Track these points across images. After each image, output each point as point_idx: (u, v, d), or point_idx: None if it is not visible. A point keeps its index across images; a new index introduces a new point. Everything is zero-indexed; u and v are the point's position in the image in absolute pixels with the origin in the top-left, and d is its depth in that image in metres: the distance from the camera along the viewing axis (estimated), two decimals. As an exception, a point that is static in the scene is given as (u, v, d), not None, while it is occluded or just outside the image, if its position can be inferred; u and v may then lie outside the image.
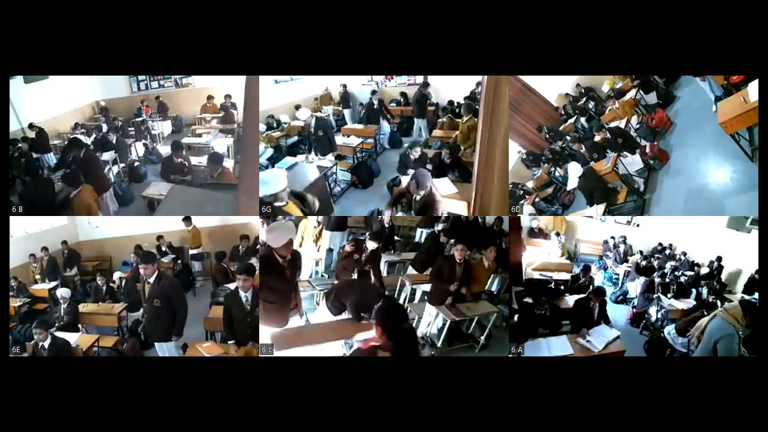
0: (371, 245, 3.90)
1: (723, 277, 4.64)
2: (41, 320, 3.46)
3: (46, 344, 3.32)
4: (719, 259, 4.66)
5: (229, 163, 5.12)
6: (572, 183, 4.59)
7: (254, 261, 3.98)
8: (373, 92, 6.57)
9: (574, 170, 4.38)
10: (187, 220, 5.20)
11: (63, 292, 4.08)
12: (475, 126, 5.14)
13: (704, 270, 4.67)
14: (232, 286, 4.23)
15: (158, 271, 3.38)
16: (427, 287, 4.26)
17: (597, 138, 4.73)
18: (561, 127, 5.84)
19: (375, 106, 6.35)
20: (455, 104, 6.21)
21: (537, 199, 5.05)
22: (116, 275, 4.61)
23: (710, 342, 2.83)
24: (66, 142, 5.22)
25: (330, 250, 4.84)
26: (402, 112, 6.78)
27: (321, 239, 4.82)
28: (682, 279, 4.54)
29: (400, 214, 3.87)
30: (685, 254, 5.03)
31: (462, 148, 5.00)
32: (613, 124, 5.00)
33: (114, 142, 5.34)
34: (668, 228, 5.26)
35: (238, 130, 5.70)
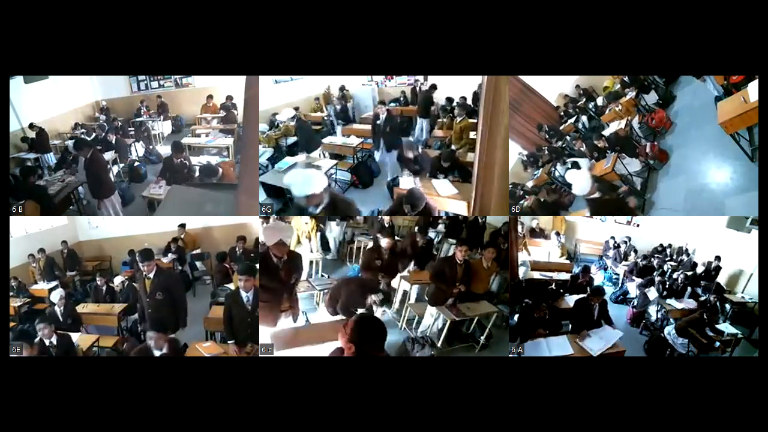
0: (384, 243, 3.95)
1: (724, 277, 4.63)
2: (44, 317, 3.48)
3: (54, 341, 3.33)
4: (718, 258, 4.66)
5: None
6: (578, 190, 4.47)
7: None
8: (382, 102, 5.71)
9: (575, 177, 4.36)
10: (181, 227, 5.26)
11: (56, 295, 4.02)
12: (468, 126, 5.20)
13: (699, 269, 4.68)
14: (232, 286, 4.24)
15: (156, 266, 3.46)
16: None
17: (599, 144, 4.74)
18: (561, 127, 5.84)
19: (379, 121, 5.38)
20: (454, 102, 6.21)
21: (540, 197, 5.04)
22: (117, 279, 4.58)
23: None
24: (68, 142, 5.25)
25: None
26: (402, 112, 6.78)
27: (314, 237, 4.85)
28: (680, 278, 4.55)
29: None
30: (687, 254, 5.04)
31: (455, 148, 5.02)
32: (613, 124, 5.00)
33: (114, 142, 5.34)
34: (668, 228, 5.26)
35: (238, 130, 5.71)
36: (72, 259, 5.06)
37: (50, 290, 4.51)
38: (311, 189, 3.01)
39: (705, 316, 3.68)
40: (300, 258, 3.43)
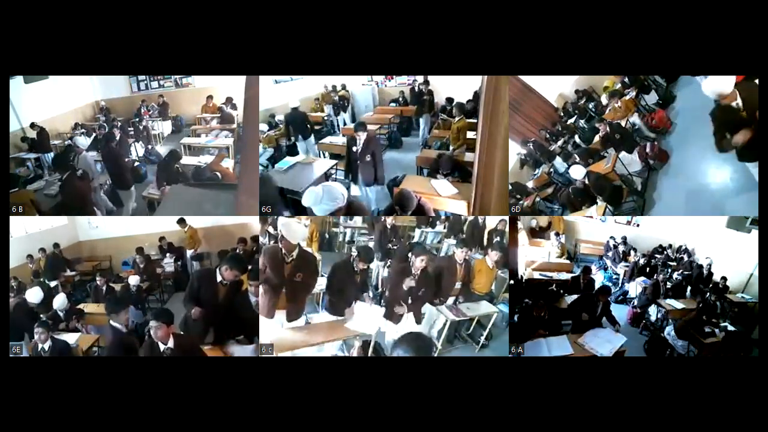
0: (419, 263, 3.48)
1: (730, 279, 4.62)
2: (43, 321, 3.45)
3: (47, 346, 3.30)
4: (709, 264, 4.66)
5: (229, 163, 5.13)
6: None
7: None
8: (361, 125, 4.56)
9: (577, 172, 4.37)
10: (181, 221, 5.16)
11: (60, 302, 3.94)
12: (464, 126, 5.20)
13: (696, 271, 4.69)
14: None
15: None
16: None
17: (600, 130, 4.74)
18: (560, 128, 5.84)
19: (356, 148, 4.44)
20: (453, 103, 6.22)
21: (537, 199, 5.05)
22: (133, 280, 4.50)
23: None
24: (69, 141, 5.23)
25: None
26: (402, 112, 6.78)
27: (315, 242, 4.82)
28: (680, 278, 4.56)
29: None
30: (688, 254, 5.04)
31: (453, 148, 5.02)
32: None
33: (118, 139, 5.32)
34: (668, 228, 5.26)
35: (239, 130, 5.71)
36: (56, 264, 4.88)
37: (51, 289, 4.49)
38: (333, 206, 3.04)
39: (703, 315, 3.68)
40: (313, 260, 3.38)
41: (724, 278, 4.53)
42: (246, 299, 3.29)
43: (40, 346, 3.29)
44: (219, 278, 3.12)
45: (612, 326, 3.70)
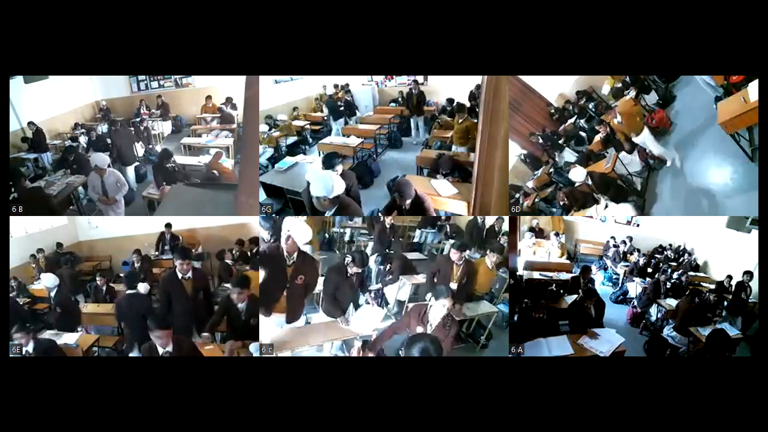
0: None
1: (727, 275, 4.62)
2: (21, 325, 3.22)
3: (30, 349, 3.16)
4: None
5: (229, 163, 5.14)
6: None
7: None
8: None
9: (577, 174, 4.37)
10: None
11: (47, 281, 3.85)
12: (473, 126, 5.19)
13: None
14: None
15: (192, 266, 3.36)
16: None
17: (600, 133, 4.74)
18: (560, 128, 5.84)
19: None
20: (454, 103, 6.23)
21: (537, 199, 5.05)
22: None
23: None
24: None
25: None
26: (402, 112, 6.79)
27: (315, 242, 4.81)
28: (680, 278, 4.56)
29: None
30: (688, 254, 5.04)
31: (457, 147, 5.02)
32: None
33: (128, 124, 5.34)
34: (668, 228, 5.27)
35: (239, 130, 5.72)
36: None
37: (50, 289, 4.46)
38: (329, 192, 3.01)
39: (697, 300, 3.68)
40: (314, 262, 3.35)
41: (729, 277, 4.50)
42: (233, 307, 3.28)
43: (24, 349, 3.15)
44: (180, 276, 3.23)
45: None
